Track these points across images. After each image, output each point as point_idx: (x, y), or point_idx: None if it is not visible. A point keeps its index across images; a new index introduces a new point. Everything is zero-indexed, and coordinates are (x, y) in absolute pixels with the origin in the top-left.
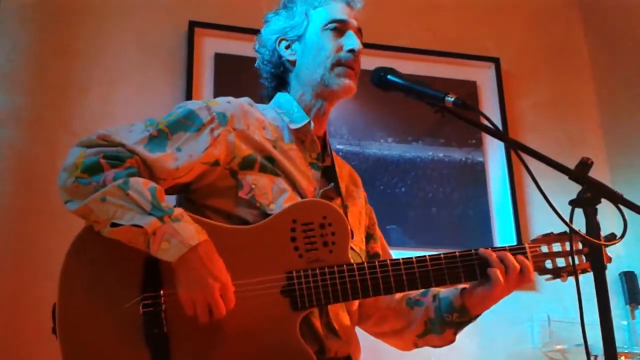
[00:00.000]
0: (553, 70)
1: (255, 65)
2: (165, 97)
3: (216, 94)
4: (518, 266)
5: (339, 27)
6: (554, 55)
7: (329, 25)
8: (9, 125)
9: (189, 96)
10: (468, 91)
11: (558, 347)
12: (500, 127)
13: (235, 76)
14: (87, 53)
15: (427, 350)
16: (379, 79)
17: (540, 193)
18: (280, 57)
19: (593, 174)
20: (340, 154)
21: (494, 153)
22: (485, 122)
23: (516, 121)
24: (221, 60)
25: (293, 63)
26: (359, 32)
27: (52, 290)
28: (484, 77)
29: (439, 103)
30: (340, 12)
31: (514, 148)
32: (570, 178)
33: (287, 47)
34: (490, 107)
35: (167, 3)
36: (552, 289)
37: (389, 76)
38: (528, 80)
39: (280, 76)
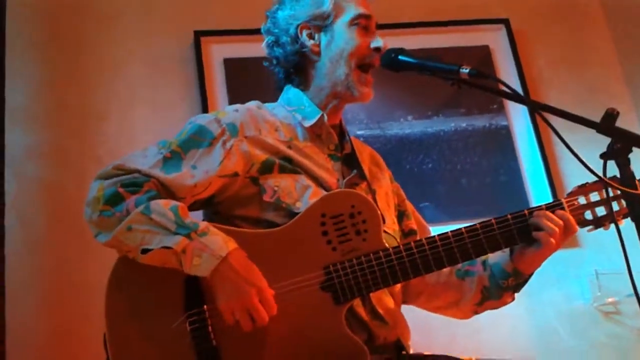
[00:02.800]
0: (565, 23)
1: (264, 46)
2: (181, 110)
3: (231, 99)
4: (562, 224)
5: (365, 24)
6: (564, 8)
7: (357, 21)
8: (34, 160)
9: (204, 105)
10: (482, 56)
11: (609, 300)
12: (519, 88)
13: (247, 78)
14: (100, 80)
15: (477, 322)
16: (391, 61)
17: (570, 152)
18: (302, 45)
19: (621, 122)
20: (362, 139)
21: (518, 115)
22: (504, 88)
23: (535, 80)
24: (231, 64)
25: (317, 53)
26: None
27: (94, 319)
28: (495, 40)
29: (454, 76)
30: (363, 5)
31: (537, 110)
32: (598, 131)
33: (310, 36)
34: (506, 69)
35: (170, 16)
36: (596, 242)
37: (400, 57)
38: (541, 37)
39: (296, 65)
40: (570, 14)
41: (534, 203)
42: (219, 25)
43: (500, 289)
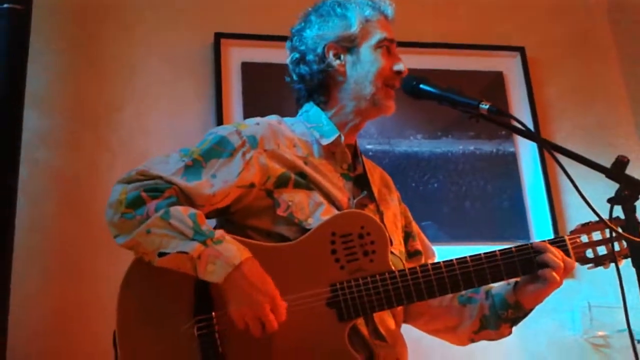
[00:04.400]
0: (579, 55)
1: (288, 62)
2: (196, 108)
3: (245, 102)
4: (562, 259)
5: (389, 46)
6: (578, 40)
7: (383, 44)
8: (48, 146)
9: (219, 106)
10: (494, 82)
11: (600, 333)
12: (529, 116)
13: (262, 83)
14: (118, 72)
15: (471, 346)
16: (412, 89)
17: (579, 193)
18: (328, 65)
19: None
20: (370, 153)
21: (525, 143)
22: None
23: (545, 109)
24: (248, 68)
25: (342, 73)
26: None
27: (102, 309)
28: (510, 67)
29: (473, 110)
30: (387, 28)
31: (548, 149)
32: (607, 177)
33: (336, 56)
34: (517, 97)
35: (192, 16)
36: (591, 275)
37: (421, 85)
38: (554, 67)
39: (320, 83)
40: (585, 47)
41: (534, 231)
42: (240, 29)
43: (499, 319)
